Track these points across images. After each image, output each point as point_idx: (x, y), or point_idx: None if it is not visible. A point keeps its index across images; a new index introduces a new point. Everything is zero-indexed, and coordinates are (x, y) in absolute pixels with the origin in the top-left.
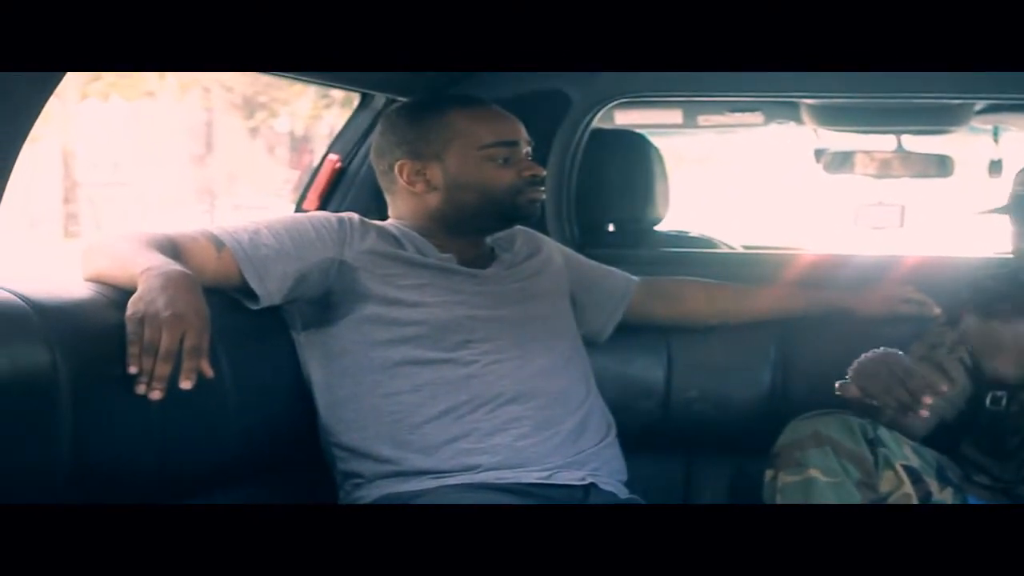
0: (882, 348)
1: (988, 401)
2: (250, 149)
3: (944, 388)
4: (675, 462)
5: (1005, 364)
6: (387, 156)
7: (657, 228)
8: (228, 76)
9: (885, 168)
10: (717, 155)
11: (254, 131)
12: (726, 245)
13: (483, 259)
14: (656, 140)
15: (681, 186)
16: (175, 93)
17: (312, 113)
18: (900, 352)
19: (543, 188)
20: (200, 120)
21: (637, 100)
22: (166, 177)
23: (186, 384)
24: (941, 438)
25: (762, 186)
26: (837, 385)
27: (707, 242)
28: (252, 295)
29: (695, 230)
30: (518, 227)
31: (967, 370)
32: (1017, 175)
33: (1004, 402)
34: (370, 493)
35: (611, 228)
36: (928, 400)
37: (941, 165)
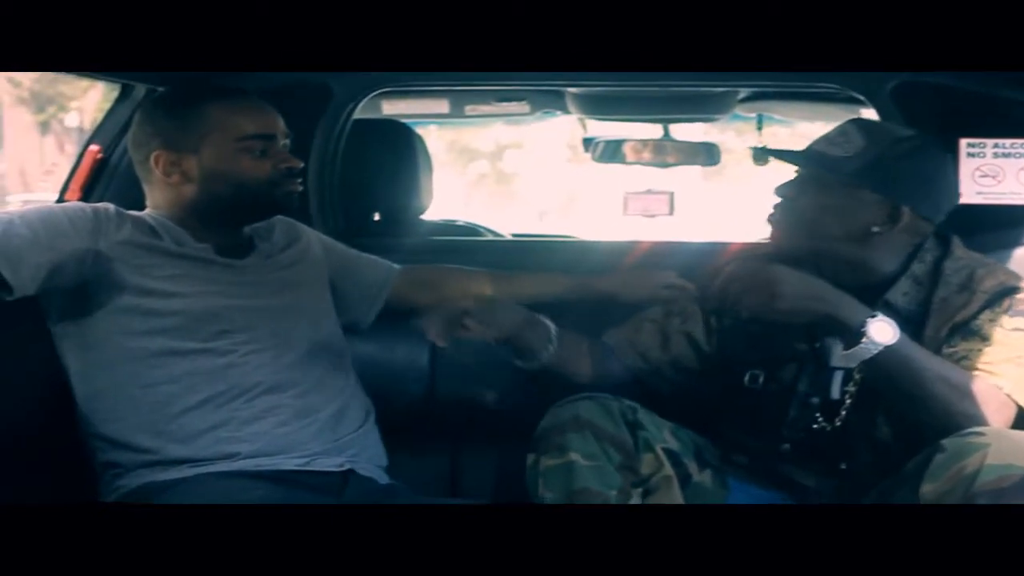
0: None
1: (746, 380)
2: (40, 144)
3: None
4: (440, 447)
5: (748, 346)
6: (143, 147)
7: (424, 217)
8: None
9: (652, 156)
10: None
11: (44, 126)
12: (492, 233)
13: (241, 248)
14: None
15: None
16: None
17: (101, 107)
18: None
19: (300, 180)
20: None
21: (399, 90)
22: None
23: None
24: (701, 419)
25: (543, 176)
26: None
27: (473, 230)
28: (6, 285)
29: (462, 219)
30: (277, 216)
31: (692, 346)
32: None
33: (761, 381)
34: (130, 483)
35: (377, 217)
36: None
37: (708, 153)
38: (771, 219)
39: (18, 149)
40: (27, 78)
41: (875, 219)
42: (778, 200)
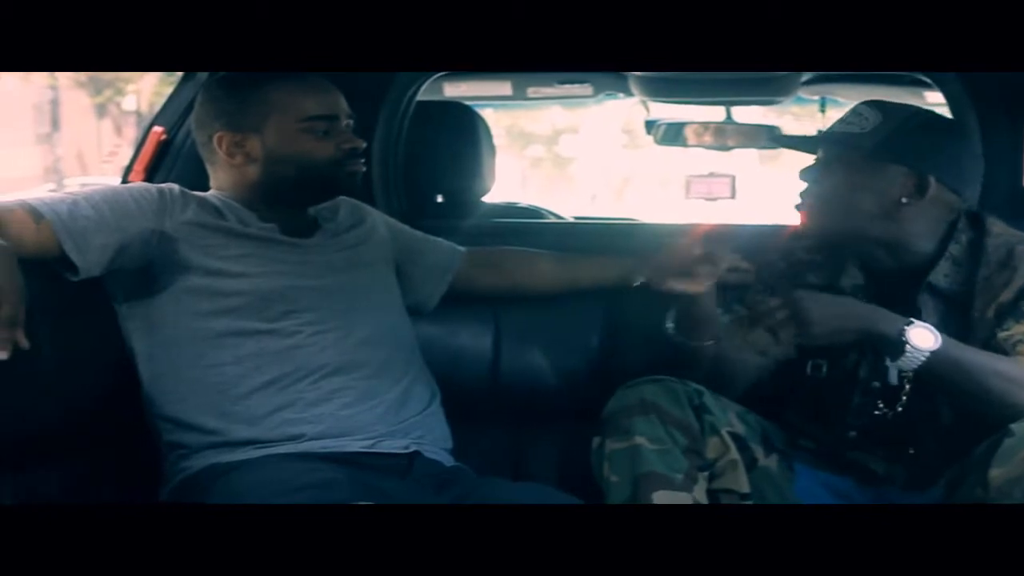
0: None
1: (808, 369)
2: (97, 127)
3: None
4: (505, 430)
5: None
6: (206, 128)
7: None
8: None
9: (714, 139)
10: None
11: (101, 109)
12: (554, 216)
13: (306, 228)
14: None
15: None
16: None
17: (158, 90)
18: None
19: (363, 160)
20: (46, 98)
21: (463, 71)
22: (12, 157)
23: (1, 354)
24: (765, 405)
25: (599, 160)
26: None
27: (535, 212)
28: (71, 266)
29: (524, 201)
30: (342, 197)
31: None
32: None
33: (824, 370)
34: (195, 464)
35: (439, 199)
36: None
37: (771, 136)
38: (800, 206)
39: (75, 132)
40: None
41: (903, 191)
42: (804, 186)
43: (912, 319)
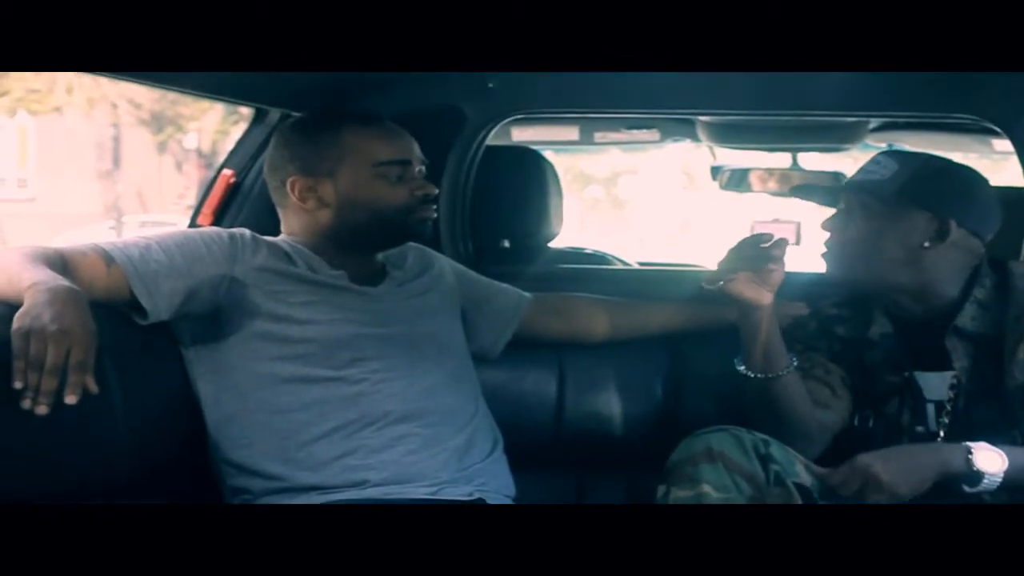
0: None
1: (856, 421)
2: (158, 165)
3: None
4: (567, 477)
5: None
6: (279, 172)
7: (552, 244)
8: (136, 91)
9: (778, 185)
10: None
11: (162, 147)
12: (620, 261)
13: (375, 276)
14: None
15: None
16: (83, 109)
17: (220, 129)
18: None
19: (435, 207)
20: (108, 135)
21: (532, 116)
22: (74, 193)
23: (71, 398)
24: (830, 458)
25: (664, 204)
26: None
27: (601, 258)
28: (141, 310)
29: (590, 247)
30: (410, 244)
31: (846, 385)
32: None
33: (871, 422)
34: None
35: (506, 244)
36: None
37: (835, 183)
38: (825, 256)
39: (136, 169)
40: (147, 99)
41: (924, 235)
42: (827, 235)
43: (969, 445)
